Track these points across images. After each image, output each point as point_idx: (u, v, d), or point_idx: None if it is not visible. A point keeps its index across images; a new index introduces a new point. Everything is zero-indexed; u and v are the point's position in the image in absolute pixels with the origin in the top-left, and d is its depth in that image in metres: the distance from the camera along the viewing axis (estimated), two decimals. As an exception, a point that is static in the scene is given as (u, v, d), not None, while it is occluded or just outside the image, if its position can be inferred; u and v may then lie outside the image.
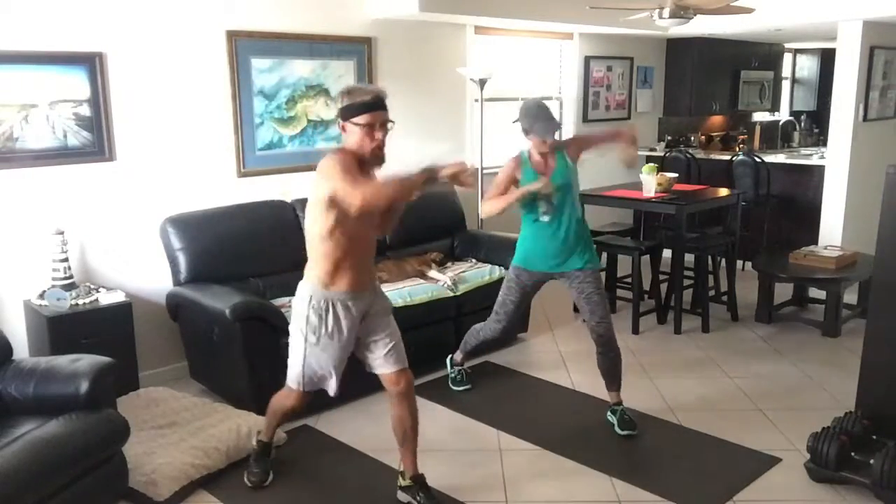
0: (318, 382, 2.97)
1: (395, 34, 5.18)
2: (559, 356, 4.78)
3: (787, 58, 9.13)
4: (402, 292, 4.29)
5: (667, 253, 5.47)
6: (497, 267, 4.80)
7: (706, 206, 5.65)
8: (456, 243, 5.28)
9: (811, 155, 6.98)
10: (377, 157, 2.72)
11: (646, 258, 5.34)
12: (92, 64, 3.90)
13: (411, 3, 4.69)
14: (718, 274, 5.63)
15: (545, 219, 3.60)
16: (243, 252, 4.23)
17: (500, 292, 3.92)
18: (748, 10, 4.82)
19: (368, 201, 2.54)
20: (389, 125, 2.73)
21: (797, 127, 8.84)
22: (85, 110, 3.91)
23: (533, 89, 6.22)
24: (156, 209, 4.16)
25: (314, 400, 3.15)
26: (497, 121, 5.89)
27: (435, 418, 3.84)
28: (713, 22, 5.97)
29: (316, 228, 2.75)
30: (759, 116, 9.01)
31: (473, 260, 5.06)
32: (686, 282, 5.24)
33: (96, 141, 3.97)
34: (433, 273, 4.66)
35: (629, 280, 5.43)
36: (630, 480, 3.25)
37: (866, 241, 4.82)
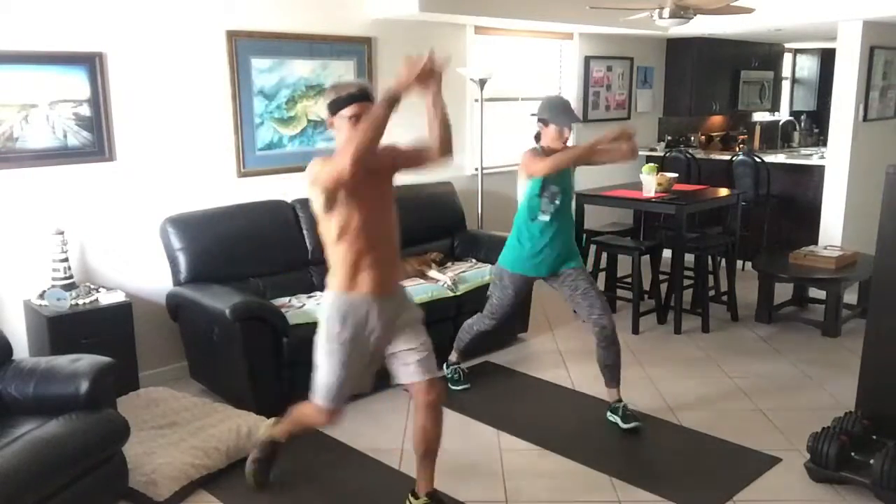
0: (347, 393, 2.80)
1: (395, 34, 5.18)
2: (559, 356, 4.78)
3: (787, 58, 9.12)
4: (402, 292, 4.29)
5: (667, 253, 5.47)
6: (497, 267, 4.80)
7: (706, 206, 5.66)
8: (456, 243, 5.28)
9: (811, 155, 6.98)
10: None
11: (646, 258, 5.34)
12: (92, 64, 3.90)
13: (411, 3, 4.70)
14: (718, 274, 5.63)
15: (544, 218, 3.60)
16: (243, 252, 4.23)
17: (494, 293, 3.93)
18: (748, 10, 4.82)
19: (356, 149, 2.43)
20: None
21: (797, 127, 8.83)
22: (85, 110, 3.91)
23: (533, 89, 6.22)
24: (156, 209, 4.16)
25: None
26: (497, 121, 5.87)
27: (435, 418, 3.85)
28: (713, 22, 5.97)
29: (327, 236, 2.71)
30: (759, 116, 9.00)
31: (473, 260, 5.06)
32: (686, 282, 5.24)
33: (96, 141, 3.97)
34: (433, 273, 4.66)
35: (629, 280, 5.44)
36: (630, 480, 3.25)
37: (866, 241, 4.82)
